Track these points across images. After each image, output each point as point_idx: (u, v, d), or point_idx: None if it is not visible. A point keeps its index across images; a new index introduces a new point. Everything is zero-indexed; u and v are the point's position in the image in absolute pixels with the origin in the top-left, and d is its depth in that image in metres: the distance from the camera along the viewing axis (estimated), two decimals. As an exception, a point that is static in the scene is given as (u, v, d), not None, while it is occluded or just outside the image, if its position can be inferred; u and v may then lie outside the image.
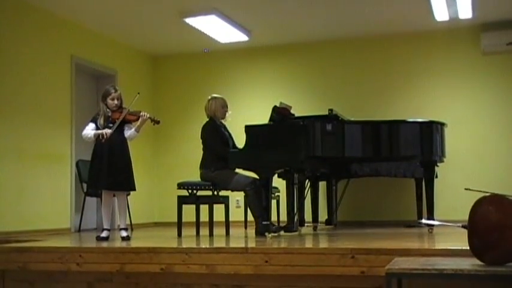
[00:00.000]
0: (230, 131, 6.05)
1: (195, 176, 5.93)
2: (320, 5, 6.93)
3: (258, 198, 5.46)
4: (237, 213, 7.14)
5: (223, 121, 6.04)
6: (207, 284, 4.15)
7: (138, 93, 5.49)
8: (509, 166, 7.44)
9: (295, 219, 5.68)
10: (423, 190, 6.14)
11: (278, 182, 6.13)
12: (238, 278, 4.06)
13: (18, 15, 6.62)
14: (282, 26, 7.74)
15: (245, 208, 6.67)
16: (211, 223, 5.70)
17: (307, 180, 6.38)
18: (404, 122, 6.07)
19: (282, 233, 5.60)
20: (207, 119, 6.00)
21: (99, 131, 5.27)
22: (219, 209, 5.86)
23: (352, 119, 6.40)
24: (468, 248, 2.98)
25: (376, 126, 5.85)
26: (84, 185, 6.86)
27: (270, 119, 5.66)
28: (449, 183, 7.25)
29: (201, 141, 5.94)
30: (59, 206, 6.97)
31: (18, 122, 6.51)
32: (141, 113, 5.35)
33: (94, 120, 5.41)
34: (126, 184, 5.40)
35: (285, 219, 5.67)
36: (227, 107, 6.01)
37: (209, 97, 6.06)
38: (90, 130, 5.35)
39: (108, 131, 5.24)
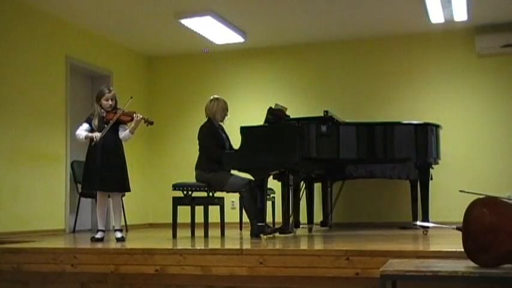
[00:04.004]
0: (227, 133, 6.04)
1: (190, 177, 5.92)
2: (315, 7, 6.94)
3: (253, 200, 5.46)
4: (232, 214, 7.13)
5: (221, 123, 6.03)
6: (201, 286, 4.14)
7: (131, 97, 5.46)
8: (504, 168, 7.46)
9: (290, 221, 5.68)
10: (418, 192, 6.15)
11: (273, 184, 6.13)
12: (233, 279, 4.06)
13: (13, 16, 6.60)
14: (277, 28, 7.75)
15: (240, 209, 6.67)
16: (206, 224, 5.69)
17: (302, 182, 6.38)
18: (399, 124, 6.08)
19: (277, 234, 5.60)
20: (206, 119, 5.98)
21: (90, 134, 5.26)
22: (214, 210, 5.87)
23: (347, 120, 6.41)
24: (463, 250, 2.98)
25: (371, 128, 5.86)
26: (79, 186, 6.85)
27: (265, 121, 5.66)
28: (444, 185, 7.26)
29: (197, 141, 5.94)
30: (53, 206, 6.95)
31: (13, 122, 6.49)
32: (135, 114, 5.34)
33: (88, 121, 5.38)
34: (121, 185, 5.39)
35: (280, 220, 5.67)
36: (227, 110, 6.00)
37: (211, 97, 6.03)
38: (82, 131, 5.33)
39: (97, 134, 5.23)
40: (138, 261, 4.26)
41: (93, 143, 5.22)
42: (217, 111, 5.93)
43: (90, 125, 5.36)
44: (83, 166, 5.43)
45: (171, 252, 4.24)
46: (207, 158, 5.79)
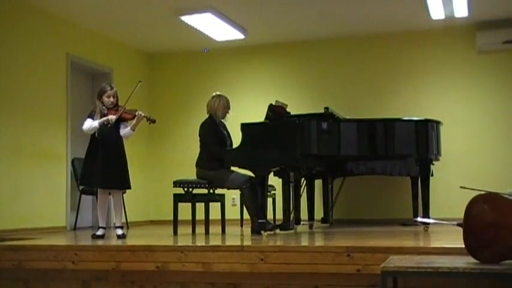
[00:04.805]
0: (229, 130, 6.04)
1: (190, 174, 5.92)
2: (316, 4, 6.93)
3: (254, 197, 5.46)
4: (233, 211, 7.13)
5: (222, 120, 6.02)
6: (202, 282, 4.15)
7: (140, 81, 5.48)
8: (504, 164, 7.46)
9: (291, 218, 5.68)
10: (419, 188, 6.15)
11: (274, 180, 6.12)
12: (234, 276, 4.06)
13: (14, 14, 6.60)
14: (278, 25, 7.74)
15: (241, 206, 6.66)
16: (207, 221, 5.69)
17: (303, 179, 6.38)
18: (399, 120, 6.08)
19: (277, 231, 5.61)
20: (207, 115, 5.97)
21: (104, 118, 5.25)
22: (214, 207, 5.87)
23: (348, 117, 6.40)
24: (463, 246, 2.98)
25: (372, 124, 5.85)
26: (80, 183, 6.87)
27: (266, 117, 5.65)
28: (445, 182, 7.26)
29: (198, 138, 5.93)
30: (54, 204, 6.95)
31: (14, 120, 6.49)
32: (137, 112, 5.34)
33: (91, 117, 5.38)
34: (122, 182, 5.39)
35: (281, 217, 5.68)
36: (229, 108, 5.99)
37: (214, 94, 6.02)
38: (91, 121, 5.31)
39: (113, 117, 5.22)
40: (139, 258, 4.27)
41: (109, 125, 5.20)
42: (219, 108, 5.92)
43: (93, 119, 5.36)
44: (83, 162, 5.42)
45: (172, 249, 4.25)
46: (208, 155, 5.78)
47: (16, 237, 5.49)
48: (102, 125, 5.25)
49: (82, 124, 5.40)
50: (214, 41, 8.11)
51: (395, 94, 7.99)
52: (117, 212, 5.50)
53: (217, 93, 6.03)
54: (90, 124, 5.29)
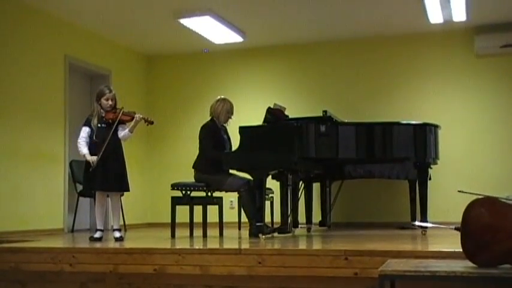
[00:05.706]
0: (229, 134, 6.03)
1: (188, 177, 5.92)
2: (314, 7, 6.94)
3: (252, 200, 5.46)
4: (231, 214, 7.13)
5: (224, 124, 6.01)
6: (200, 285, 4.14)
7: (122, 107, 5.42)
8: (503, 168, 7.46)
9: (289, 221, 5.68)
10: (417, 192, 6.15)
11: (272, 183, 6.12)
12: (232, 279, 4.06)
13: (12, 15, 6.60)
14: (276, 27, 7.75)
15: (239, 209, 6.67)
16: (204, 224, 5.69)
17: (301, 182, 6.38)
18: (398, 123, 6.08)
19: (275, 234, 5.60)
20: (207, 118, 5.97)
21: (88, 158, 5.25)
22: (212, 210, 5.86)
23: (346, 120, 6.41)
24: (461, 250, 2.98)
25: (370, 128, 5.86)
26: (78, 185, 6.86)
27: (264, 120, 5.66)
28: (443, 185, 7.26)
29: (198, 140, 5.93)
30: (52, 206, 6.94)
31: (12, 122, 6.49)
32: (135, 114, 5.35)
33: (87, 123, 5.38)
34: (120, 185, 5.39)
35: (279, 220, 5.67)
36: (232, 113, 5.98)
37: (218, 97, 6.01)
38: (84, 146, 5.31)
39: (94, 159, 5.21)
40: (136, 261, 4.26)
41: (90, 169, 5.23)
42: (222, 112, 5.91)
43: (90, 126, 5.36)
44: (84, 166, 5.42)
45: (170, 252, 4.25)
46: (204, 158, 5.78)
47: (14, 239, 5.47)
48: (85, 158, 5.29)
49: (79, 130, 5.43)
50: (212, 44, 8.12)
51: (394, 97, 8.00)
52: (115, 214, 5.49)
53: (222, 97, 6.02)
54: (81, 148, 5.31)
